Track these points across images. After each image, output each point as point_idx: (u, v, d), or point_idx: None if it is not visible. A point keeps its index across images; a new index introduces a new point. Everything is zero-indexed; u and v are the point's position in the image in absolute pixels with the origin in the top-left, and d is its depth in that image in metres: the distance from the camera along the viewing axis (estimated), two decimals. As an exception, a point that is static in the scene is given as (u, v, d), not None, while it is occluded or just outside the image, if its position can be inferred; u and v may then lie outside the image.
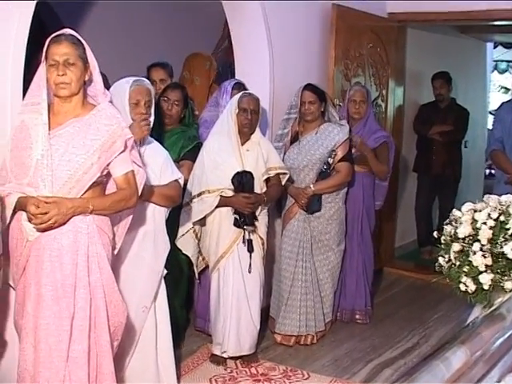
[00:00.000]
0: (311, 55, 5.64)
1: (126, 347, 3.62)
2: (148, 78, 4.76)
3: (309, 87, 4.83)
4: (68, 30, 3.11)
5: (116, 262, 3.38)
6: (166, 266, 3.79)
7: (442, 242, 3.17)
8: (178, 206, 3.99)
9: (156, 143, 3.78)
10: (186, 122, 4.65)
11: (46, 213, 2.91)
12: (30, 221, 2.98)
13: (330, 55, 5.73)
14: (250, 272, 4.31)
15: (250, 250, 4.29)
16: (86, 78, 3.11)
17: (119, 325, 3.25)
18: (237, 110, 4.28)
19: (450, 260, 3.12)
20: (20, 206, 3.02)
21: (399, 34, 6.71)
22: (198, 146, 4.42)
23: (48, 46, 3.05)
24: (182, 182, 3.80)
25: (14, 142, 3.09)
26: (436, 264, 3.18)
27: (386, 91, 6.55)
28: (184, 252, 4.41)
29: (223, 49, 6.81)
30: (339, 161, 4.82)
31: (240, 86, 4.76)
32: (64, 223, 3.00)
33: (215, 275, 4.37)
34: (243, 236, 4.29)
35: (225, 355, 4.39)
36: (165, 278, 3.82)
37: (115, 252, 3.32)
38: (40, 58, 3.08)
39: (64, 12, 6.18)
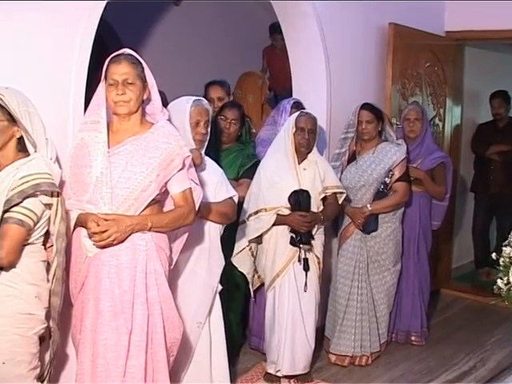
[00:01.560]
0: (368, 74, 5.59)
1: (181, 363, 3.61)
2: (205, 96, 4.82)
3: (366, 106, 4.78)
4: (127, 50, 3.15)
5: (172, 278, 3.37)
6: (220, 282, 3.78)
7: (501, 263, 3.07)
8: (233, 223, 3.97)
9: (211, 161, 3.78)
10: (242, 140, 4.65)
11: (105, 230, 2.94)
12: (89, 237, 3.00)
13: (387, 74, 5.68)
14: (305, 291, 4.26)
15: (306, 268, 4.24)
16: (145, 97, 3.14)
17: (175, 341, 3.25)
18: (294, 129, 4.26)
19: (508, 282, 3.01)
20: (80, 222, 3.05)
21: (457, 52, 6.60)
22: (257, 164, 4.41)
23: (107, 65, 3.09)
24: (236, 199, 3.80)
25: (73, 160, 3.13)
26: (494, 286, 3.08)
27: (443, 110, 6.44)
28: (240, 269, 4.39)
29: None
30: (396, 180, 4.75)
31: (298, 105, 4.75)
32: (123, 240, 3.02)
33: (270, 293, 4.33)
34: (299, 255, 4.24)
35: (279, 374, 4.35)
36: (220, 294, 3.81)
37: (171, 268, 3.32)
38: (99, 75, 3.11)
39: (123, 31, 6.28)
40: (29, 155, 2.90)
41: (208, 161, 3.76)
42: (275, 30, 6.47)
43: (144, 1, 6.17)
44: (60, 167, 3.06)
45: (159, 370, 3.11)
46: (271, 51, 6.72)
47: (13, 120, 2.85)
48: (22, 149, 2.92)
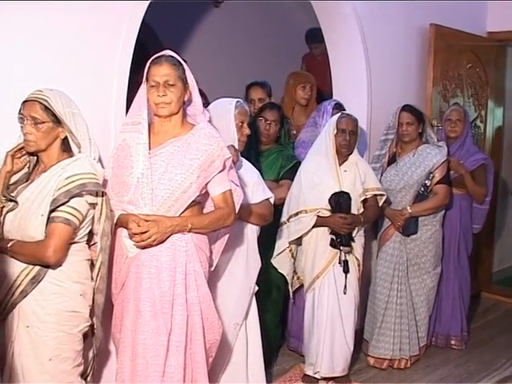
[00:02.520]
0: (409, 75, 5.54)
1: (219, 363, 3.60)
2: (246, 97, 4.89)
3: (407, 108, 4.74)
4: (168, 52, 3.15)
5: (211, 279, 3.36)
6: (257, 283, 3.77)
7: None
8: (269, 224, 3.96)
9: (247, 163, 3.78)
10: (281, 141, 4.63)
11: (145, 231, 2.94)
12: (130, 238, 3.02)
13: (428, 76, 5.62)
14: (345, 293, 4.23)
15: (346, 270, 4.21)
16: (186, 98, 3.14)
17: (214, 341, 3.24)
18: (335, 131, 4.24)
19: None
20: (121, 222, 3.06)
21: (499, 53, 6.49)
22: (297, 165, 4.40)
23: (149, 67, 3.09)
24: (272, 200, 3.79)
25: (115, 161, 3.14)
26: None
27: (484, 112, 6.35)
28: (280, 271, 4.38)
29: None
30: (437, 183, 4.71)
31: (339, 107, 4.74)
32: (163, 241, 3.02)
33: (310, 295, 4.31)
34: (339, 257, 4.22)
35: (317, 376, 4.32)
36: (257, 295, 3.80)
37: (211, 269, 3.32)
38: (140, 76, 3.12)
39: (164, 32, 6.31)
40: (73, 155, 2.93)
41: (244, 162, 3.76)
42: (312, 39, 6.48)
43: (185, 1, 6.18)
44: (102, 167, 3.08)
45: (198, 371, 3.11)
46: (311, 58, 6.68)
47: (57, 121, 2.88)
48: (66, 149, 2.95)
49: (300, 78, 5.36)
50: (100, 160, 3.10)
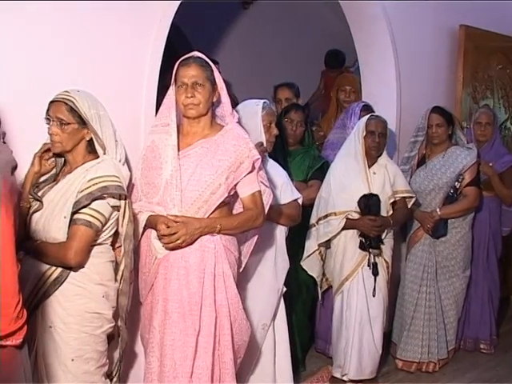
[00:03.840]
0: (438, 77, 5.51)
1: (247, 364, 3.59)
2: (274, 97, 4.92)
3: (436, 110, 4.70)
4: (196, 53, 3.14)
5: (239, 280, 3.35)
6: (286, 284, 3.76)
7: None
8: (300, 225, 3.95)
9: (275, 164, 3.77)
10: (305, 142, 4.62)
11: (174, 232, 2.94)
12: (159, 239, 3.02)
13: (458, 77, 5.59)
14: (374, 295, 4.20)
15: (375, 273, 4.18)
16: (214, 99, 3.12)
17: (243, 343, 3.23)
18: (364, 133, 4.22)
19: None
20: (150, 224, 3.06)
21: (530, 54, 6.43)
22: (325, 165, 4.40)
23: (177, 68, 3.08)
24: (300, 201, 3.78)
25: (144, 162, 3.14)
26: None
27: (515, 114, 6.29)
28: (309, 273, 4.36)
29: (319, 98, 6.76)
30: (466, 185, 4.67)
31: (368, 108, 4.70)
32: (192, 243, 3.01)
33: (338, 297, 4.29)
34: (368, 259, 4.19)
35: (345, 378, 4.28)
36: (285, 296, 3.78)
37: (240, 270, 3.31)
38: (169, 77, 3.13)
39: (192, 34, 6.32)
40: (98, 157, 2.92)
41: (272, 163, 3.75)
42: (331, 63, 6.54)
43: (213, 1, 6.19)
44: (130, 169, 3.07)
45: (226, 372, 3.10)
46: (330, 78, 6.66)
47: (83, 123, 2.87)
48: (91, 151, 2.94)
49: (341, 80, 5.39)
50: (127, 162, 3.09)
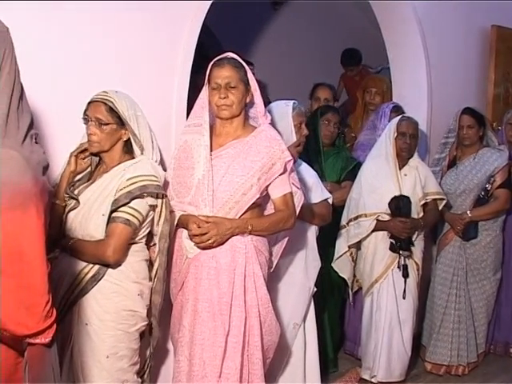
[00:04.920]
0: (470, 78, 5.46)
1: (276, 364, 3.57)
2: (312, 95, 4.95)
3: (467, 111, 4.65)
4: (230, 54, 3.13)
5: (270, 280, 3.34)
6: (316, 284, 3.73)
7: None
8: (331, 225, 3.93)
9: (305, 164, 3.76)
10: (336, 143, 4.58)
11: (205, 233, 2.93)
12: (190, 239, 3.00)
13: (490, 78, 5.52)
14: (404, 298, 4.17)
15: (405, 275, 4.15)
16: (247, 101, 3.11)
17: (272, 344, 3.21)
18: (395, 134, 4.19)
19: None
20: (181, 223, 3.06)
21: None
22: (358, 166, 4.38)
23: (211, 69, 3.07)
24: (331, 201, 3.77)
25: (177, 162, 3.14)
26: None
27: (547, 115, 6.17)
28: (340, 274, 4.34)
29: (344, 103, 6.71)
30: (498, 187, 4.61)
31: (398, 109, 4.67)
32: (223, 243, 3.00)
33: (368, 299, 4.27)
34: (398, 261, 4.16)
35: (374, 380, 4.26)
36: (314, 296, 3.75)
37: (271, 271, 3.29)
38: (199, 77, 3.10)
39: (223, 35, 6.31)
40: (134, 157, 2.93)
41: (302, 163, 3.74)
42: (347, 61, 6.47)
43: (244, 2, 6.17)
44: (163, 169, 3.07)
45: (255, 372, 3.08)
46: (349, 78, 6.60)
47: (121, 123, 2.88)
48: (128, 151, 2.95)
49: (368, 82, 5.39)
50: (161, 162, 3.09)
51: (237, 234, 3.01)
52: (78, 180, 2.97)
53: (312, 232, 3.71)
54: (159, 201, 2.88)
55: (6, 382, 1.81)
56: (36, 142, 1.86)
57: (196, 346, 3.00)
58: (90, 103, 2.88)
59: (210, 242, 2.95)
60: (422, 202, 4.26)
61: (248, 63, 3.21)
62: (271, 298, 3.21)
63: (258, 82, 3.19)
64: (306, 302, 3.69)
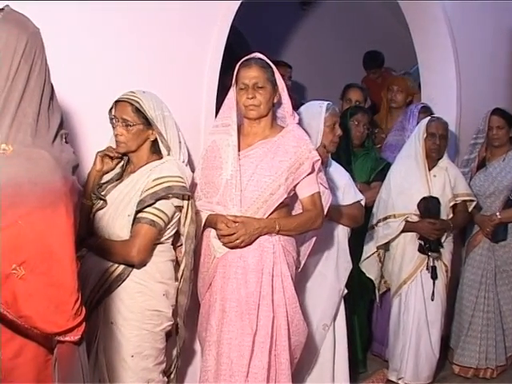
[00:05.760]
0: (499, 78, 5.40)
1: (305, 365, 3.56)
2: (343, 96, 4.92)
3: (497, 112, 4.60)
4: (257, 54, 3.12)
5: (300, 280, 3.34)
6: (347, 285, 3.71)
7: None
8: (363, 226, 3.93)
9: (337, 164, 3.74)
10: (366, 144, 4.56)
11: (234, 232, 2.93)
12: (218, 238, 3.00)
13: (520, 78, 5.43)
14: (432, 299, 4.13)
15: (434, 276, 4.11)
16: (275, 101, 3.09)
17: (299, 344, 3.19)
18: (425, 135, 4.15)
19: None
20: (209, 223, 3.05)
21: None
22: (387, 167, 4.36)
23: (238, 69, 3.07)
24: (363, 203, 3.74)
25: (205, 162, 3.14)
26: None
27: None
28: (367, 275, 4.31)
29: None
30: (528, 189, 4.54)
31: (427, 110, 4.64)
32: (251, 243, 2.99)
33: (396, 300, 4.24)
34: (427, 262, 4.12)
35: (401, 382, 4.22)
36: (345, 298, 3.74)
37: (298, 271, 3.27)
38: (227, 78, 3.10)
39: (251, 35, 6.30)
40: (162, 157, 2.91)
41: (335, 164, 3.73)
42: (370, 64, 6.41)
43: (272, 2, 6.16)
44: (192, 169, 3.06)
45: (282, 372, 3.06)
46: (371, 81, 6.52)
47: (148, 123, 2.86)
48: (155, 151, 2.93)
49: (391, 80, 5.36)
50: (190, 162, 3.08)
51: (265, 234, 3.00)
52: (107, 181, 2.97)
53: (344, 233, 3.69)
54: (185, 202, 2.87)
55: (36, 379, 1.82)
56: (66, 142, 1.87)
57: (223, 346, 2.99)
58: (116, 103, 2.88)
59: (238, 241, 2.94)
60: (452, 203, 4.23)
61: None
62: (300, 298, 3.21)
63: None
64: (336, 303, 3.67)
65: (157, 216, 2.79)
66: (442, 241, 4.14)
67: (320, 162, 3.10)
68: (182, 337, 3.04)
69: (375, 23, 7.09)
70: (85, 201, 2.88)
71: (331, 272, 3.62)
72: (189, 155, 3.04)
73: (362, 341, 4.44)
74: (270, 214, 3.02)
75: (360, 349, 4.41)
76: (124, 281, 2.80)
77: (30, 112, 1.75)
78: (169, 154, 2.91)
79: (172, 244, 2.98)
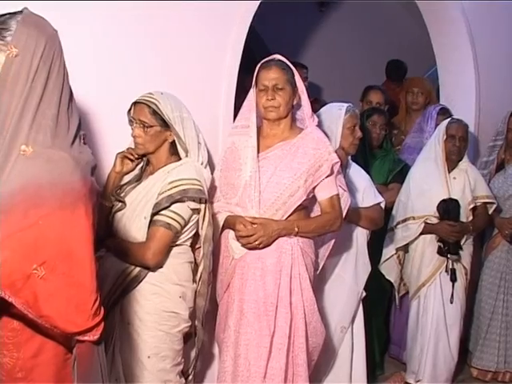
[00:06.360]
0: (519, 80, 5.31)
1: (322, 366, 3.54)
2: (363, 98, 4.88)
3: (516, 113, 4.55)
4: (277, 56, 3.11)
5: (318, 282, 3.32)
6: (365, 288, 3.69)
7: None
8: (382, 228, 3.90)
9: (357, 166, 3.72)
10: (384, 145, 4.53)
11: (252, 234, 2.92)
12: (237, 240, 2.99)
13: (539, 80, 5.36)
14: (451, 302, 4.09)
15: (453, 279, 4.07)
16: (294, 102, 3.08)
17: (317, 346, 3.18)
18: (445, 137, 4.12)
19: None
20: (228, 224, 3.05)
21: None
22: (404, 168, 4.34)
23: (258, 71, 3.06)
24: (383, 205, 3.72)
25: (224, 163, 3.13)
26: None
27: None
28: (387, 277, 4.28)
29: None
30: (548, 191, 4.49)
31: (445, 112, 4.60)
32: (269, 244, 2.98)
33: (415, 302, 4.20)
34: (446, 265, 4.08)
35: (418, 384, 4.19)
36: (363, 301, 3.72)
37: (317, 273, 3.26)
38: (246, 80, 3.09)
39: (268, 36, 6.30)
40: (180, 159, 2.90)
41: (355, 166, 3.71)
42: (394, 75, 6.31)
43: (290, 3, 6.15)
44: (211, 171, 3.04)
45: (299, 374, 3.05)
46: (390, 86, 6.45)
47: (166, 125, 2.84)
48: (174, 152, 2.91)
49: (409, 82, 5.31)
50: (209, 164, 3.05)
51: (283, 236, 2.99)
52: (126, 183, 2.96)
53: (363, 236, 3.67)
54: (202, 205, 2.85)
55: (56, 378, 1.84)
56: (84, 143, 1.88)
57: (241, 347, 2.99)
58: (134, 104, 2.87)
59: (256, 243, 2.94)
60: (472, 205, 4.19)
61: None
62: (319, 300, 3.20)
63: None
64: (354, 305, 3.65)
65: (173, 219, 2.78)
66: (462, 243, 4.10)
67: (339, 164, 3.09)
68: (200, 339, 3.02)
69: (393, 24, 7.05)
70: (104, 202, 2.88)
71: (350, 274, 3.60)
72: (208, 157, 3.01)
73: (380, 343, 4.42)
74: (289, 216, 3.01)
75: (377, 351, 4.39)
76: (140, 282, 2.80)
77: (49, 113, 1.75)
78: (187, 156, 2.89)
79: (191, 245, 2.96)
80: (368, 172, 3.86)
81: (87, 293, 1.75)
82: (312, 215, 3.19)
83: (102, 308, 1.80)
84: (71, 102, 1.84)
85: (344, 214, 3.17)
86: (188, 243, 2.93)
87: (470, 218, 4.19)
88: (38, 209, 1.67)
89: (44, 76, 1.75)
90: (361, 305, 3.71)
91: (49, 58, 1.76)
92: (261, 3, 3.68)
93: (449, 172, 4.15)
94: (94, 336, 1.78)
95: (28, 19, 1.78)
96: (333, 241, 3.27)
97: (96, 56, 3.04)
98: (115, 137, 3.03)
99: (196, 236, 2.95)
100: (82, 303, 1.74)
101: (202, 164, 2.92)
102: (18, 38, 1.74)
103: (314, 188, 3.05)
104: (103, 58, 3.07)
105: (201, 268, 2.92)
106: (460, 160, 4.20)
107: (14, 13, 1.80)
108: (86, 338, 1.78)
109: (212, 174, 3.04)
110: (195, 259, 2.98)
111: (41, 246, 1.68)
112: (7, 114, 1.72)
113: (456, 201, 4.07)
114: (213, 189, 3.07)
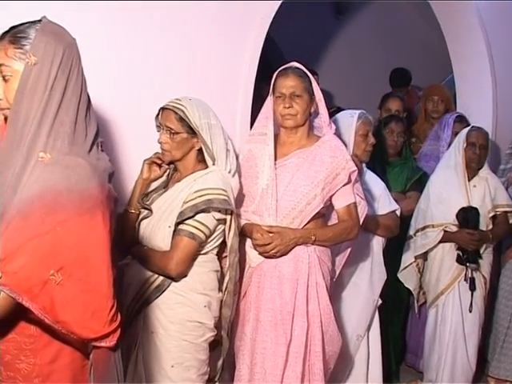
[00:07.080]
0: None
1: (339, 375, 3.50)
2: (381, 106, 4.85)
3: (534, 121, 4.51)
4: (295, 64, 3.09)
5: (334, 291, 3.29)
6: (381, 296, 3.67)
7: None
8: (398, 236, 3.86)
9: (373, 174, 3.69)
10: (403, 153, 4.50)
11: (269, 242, 2.90)
12: (254, 248, 2.98)
13: (556, 88, 5.32)
14: (470, 311, 4.04)
15: (472, 288, 4.03)
16: (312, 110, 3.06)
17: (333, 354, 3.15)
18: (465, 145, 4.08)
19: None
20: (245, 232, 3.02)
21: None
22: (423, 177, 4.31)
23: (275, 78, 3.04)
24: (398, 213, 3.69)
25: (241, 171, 3.09)
26: None
27: None
28: (406, 285, 4.25)
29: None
30: None
31: (462, 120, 4.56)
32: (286, 253, 2.96)
33: (433, 311, 4.15)
34: (465, 273, 4.04)
35: (435, 393, 4.15)
36: (380, 308, 3.69)
37: (333, 281, 3.23)
38: (262, 87, 3.08)
39: (285, 44, 6.30)
40: (208, 167, 2.83)
41: (370, 174, 3.68)
42: (397, 83, 6.22)
43: (307, 12, 6.15)
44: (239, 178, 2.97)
45: (315, 382, 3.02)
46: (410, 93, 6.43)
47: (193, 132, 2.78)
48: (202, 159, 2.84)
49: (429, 90, 5.26)
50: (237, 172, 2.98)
51: (300, 244, 2.97)
52: (154, 189, 2.91)
53: (378, 244, 3.64)
54: (228, 216, 2.78)
55: (72, 383, 1.85)
56: (102, 150, 1.89)
57: (257, 355, 2.96)
58: (162, 109, 2.82)
59: (273, 251, 2.92)
60: (492, 214, 4.15)
61: (312, 72, 3.17)
62: (334, 308, 3.16)
63: (323, 91, 3.15)
64: (370, 314, 3.62)
65: (197, 229, 2.71)
66: (481, 252, 4.07)
67: (357, 172, 3.07)
68: (225, 348, 2.95)
69: (410, 32, 7.03)
70: (130, 209, 2.85)
71: (365, 283, 3.58)
72: (237, 165, 2.94)
73: (396, 352, 4.38)
74: (306, 224, 2.99)
75: (394, 360, 4.35)
76: (163, 292, 2.75)
77: (68, 121, 1.77)
78: (214, 164, 2.82)
79: (217, 254, 2.90)
80: (385, 180, 3.84)
81: (104, 299, 1.76)
82: (329, 223, 3.16)
83: (119, 314, 1.80)
84: (89, 109, 1.85)
85: (361, 223, 3.14)
86: (214, 252, 2.87)
87: (490, 226, 4.14)
88: (56, 215, 1.68)
89: (62, 84, 1.77)
90: (377, 313, 3.68)
91: (67, 66, 1.78)
92: (277, 11, 3.67)
93: (469, 180, 4.11)
94: (110, 342, 1.80)
95: (47, 28, 1.80)
96: (349, 249, 3.24)
97: (116, 63, 3.04)
98: (136, 144, 3.03)
99: (223, 245, 2.89)
100: (99, 309, 1.75)
101: (229, 172, 2.84)
102: (36, 46, 1.76)
103: (331, 196, 3.03)
104: (123, 65, 3.08)
105: (227, 278, 2.86)
106: (480, 168, 4.16)
107: (33, 21, 1.82)
108: (102, 344, 1.79)
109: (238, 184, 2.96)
110: (222, 268, 2.91)
111: (58, 251, 1.69)
112: (26, 122, 1.74)
113: (475, 209, 4.03)
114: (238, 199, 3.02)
